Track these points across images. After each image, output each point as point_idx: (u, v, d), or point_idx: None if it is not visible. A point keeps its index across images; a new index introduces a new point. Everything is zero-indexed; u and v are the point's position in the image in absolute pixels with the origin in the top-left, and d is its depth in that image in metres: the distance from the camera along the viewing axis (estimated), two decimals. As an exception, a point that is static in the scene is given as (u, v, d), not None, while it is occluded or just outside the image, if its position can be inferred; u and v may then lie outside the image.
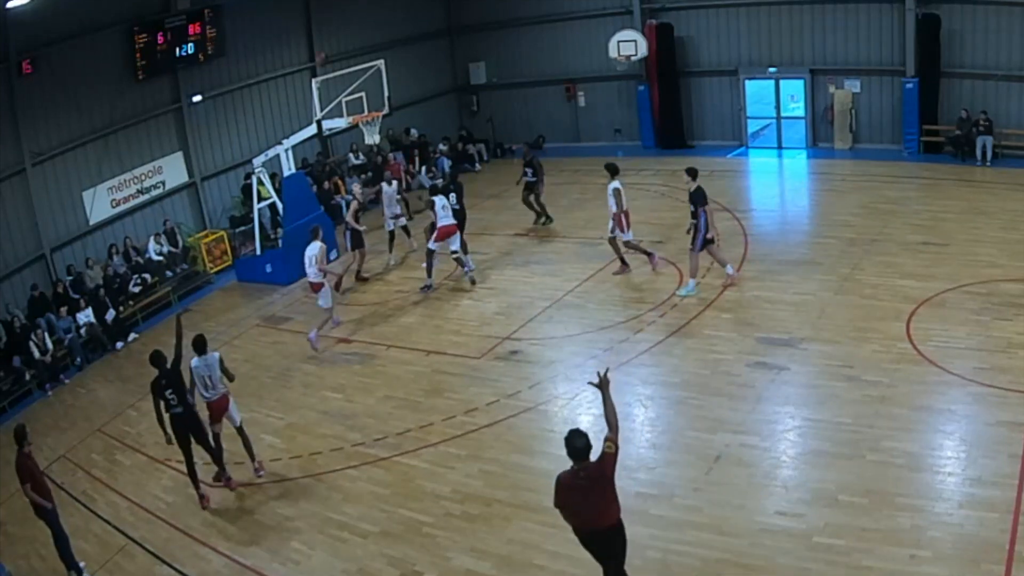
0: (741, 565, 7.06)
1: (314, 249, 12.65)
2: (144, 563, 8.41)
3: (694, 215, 12.29)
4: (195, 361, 9.24)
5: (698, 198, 12.22)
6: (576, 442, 5.89)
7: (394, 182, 16.28)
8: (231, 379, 9.57)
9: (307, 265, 12.77)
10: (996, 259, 12.43)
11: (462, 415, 10.25)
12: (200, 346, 9.31)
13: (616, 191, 13.17)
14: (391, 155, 20.64)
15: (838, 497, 7.65)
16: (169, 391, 8.92)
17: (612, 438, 5.97)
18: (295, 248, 16.20)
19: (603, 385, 6.20)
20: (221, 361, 9.37)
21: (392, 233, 16.18)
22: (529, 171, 16.67)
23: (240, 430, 9.65)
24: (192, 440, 9.13)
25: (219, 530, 8.77)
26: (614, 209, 13.21)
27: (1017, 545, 6.67)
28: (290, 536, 8.46)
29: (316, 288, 12.85)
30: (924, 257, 12.92)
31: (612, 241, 13.73)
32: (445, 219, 13.91)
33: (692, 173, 12.48)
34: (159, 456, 10.42)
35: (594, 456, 5.96)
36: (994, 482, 7.49)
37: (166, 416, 9.04)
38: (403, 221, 16.35)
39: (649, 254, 13.67)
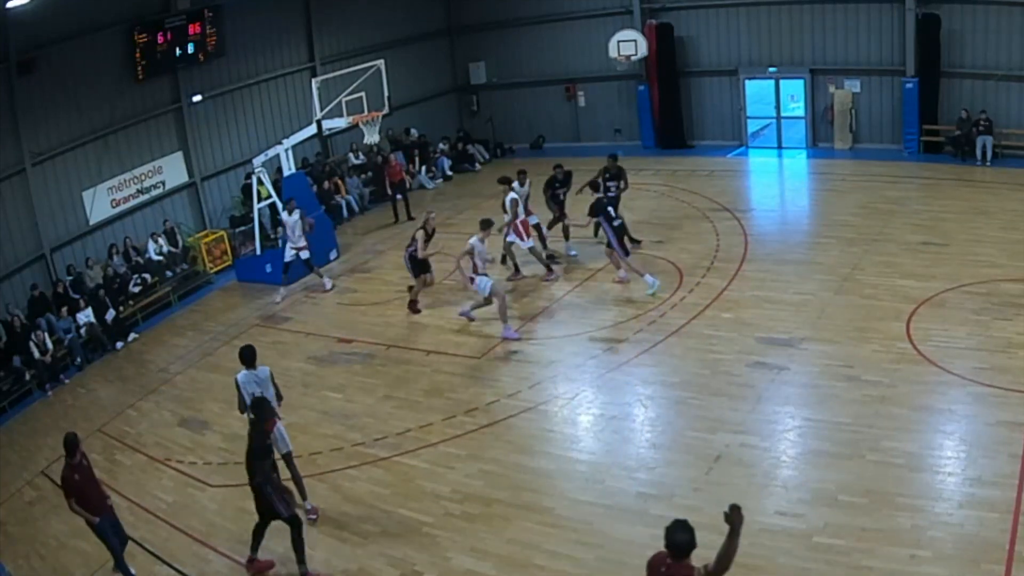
0: (741, 565, 7.00)
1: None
2: (144, 563, 8.40)
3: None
4: (242, 375, 8.55)
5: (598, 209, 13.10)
6: (678, 537, 5.18)
7: (296, 212, 14.83)
8: (280, 398, 8.81)
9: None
10: (996, 259, 12.43)
11: (462, 415, 10.25)
12: (249, 358, 8.58)
13: (513, 201, 13.61)
14: (392, 155, 20.58)
15: (838, 497, 7.65)
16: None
17: (712, 571, 5.19)
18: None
19: (734, 521, 5.32)
20: (272, 376, 8.63)
21: (287, 265, 15.08)
22: (613, 185, 14.71)
23: (287, 459, 8.63)
24: None
25: (219, 530, 8.77)
26: (508, 218, 13.68)
27: (1017, 545, 6.67)
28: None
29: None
30: (924, 257, 12.91)
31: (509, 247, 14.29)
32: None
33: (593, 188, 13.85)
34: (159, 456, 10.43)
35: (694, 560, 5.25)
36: (994, 482, 7.49)
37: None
38: (305, 254, 15.03)
39: (548, 268, 14.01)
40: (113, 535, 8.06)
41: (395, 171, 19.25)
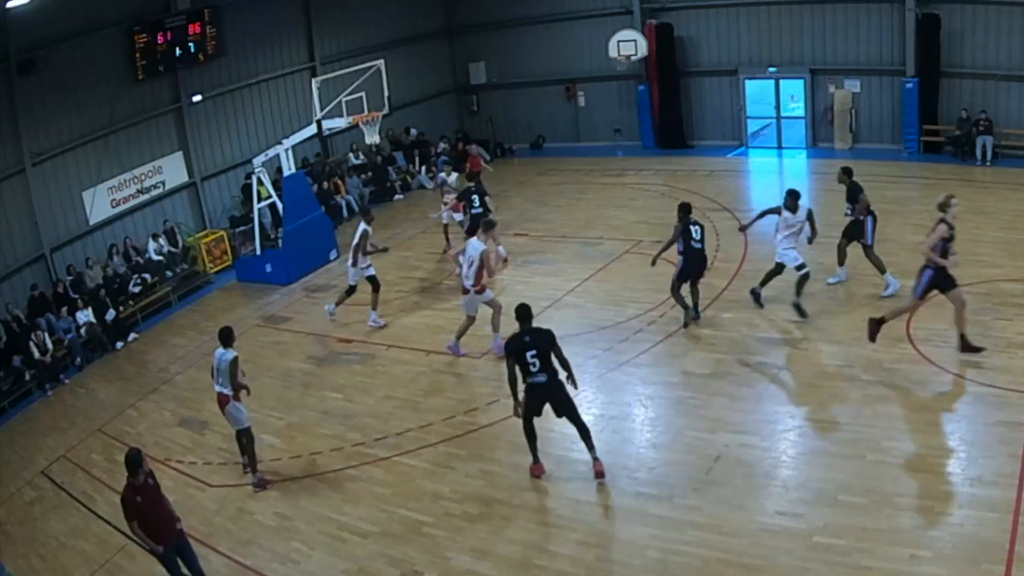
0: (741, 565, 7.05)
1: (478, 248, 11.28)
2: (144, 563, 8.38)
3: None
4: (217, 351, 9.15)
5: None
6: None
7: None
8: (237, 388, 9.09)
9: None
10: (996, 259, 12.42)
11: (462, 415, 10.24)
12: (224, 338, 9.11)
13: (364, 232, 12.91)
14: (472, 146, 20.40)
15: (838, 497, 7.64)
16: (531, 353, 8.06)
17: None
18: (295, 248, 16.27)
19: None
20: (232, 363, 8.97)
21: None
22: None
23: (238, 436, 9.45)
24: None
25: (219, 530, 8.76)
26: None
27: (1017, 545, 6.66)
28: (290, 536, 8.45)
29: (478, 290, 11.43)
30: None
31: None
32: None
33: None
34: (159, 456, 10.42)
35: None
36: (994, 482, 7.48)
37: (522, 385, 8.20)
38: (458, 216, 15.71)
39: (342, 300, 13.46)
40: (181, 565, 7.36)
41: (475, 162, 19.10)
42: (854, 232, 11.97)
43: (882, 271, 11.81)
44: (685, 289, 11.63)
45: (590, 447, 8.40)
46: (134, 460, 7.02)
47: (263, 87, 19.63)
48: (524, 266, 14.97)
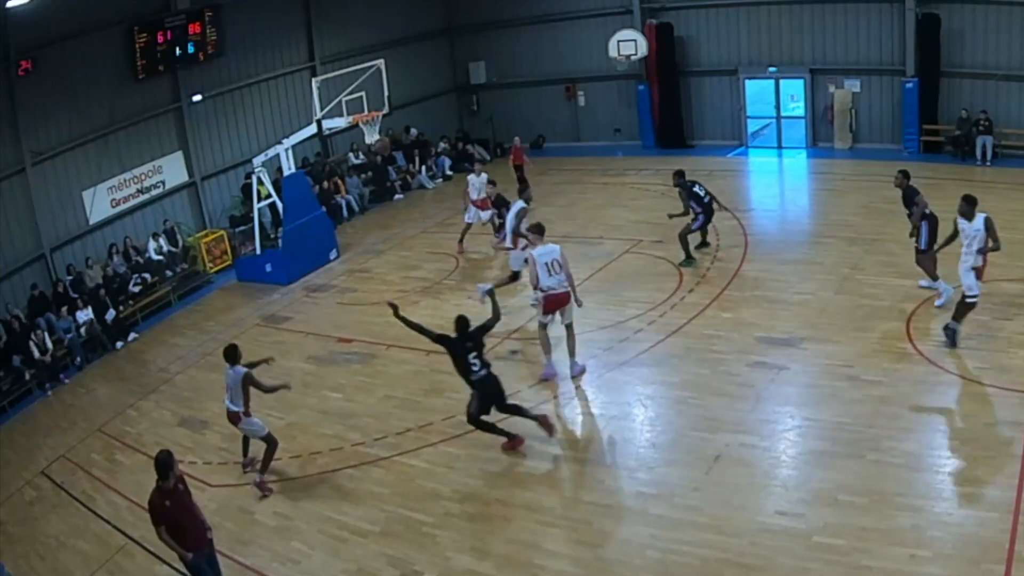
0: (741, 565, 7.06)
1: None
2: (144, 563, 8.40)
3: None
4: (227, 369, 9.03)
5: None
6: None
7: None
8: (267, 391, 9.17)
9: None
10: (996, 259, 12.35)
11: (462, 415, 10.18)
12: (229, 356, 9.00)
13: (521, 210, 13.07)
14: (516, 139, 20.09)
15: (838, 497, 7.64)
16: (472, 355, 8.88)
17: None
18: (295, 248, 16.27)
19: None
20: (244, 380, 8.89)
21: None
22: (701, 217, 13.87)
23: (245, 440, 9.76)
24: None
25: (219, 530, 8.73)
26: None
27: (1017, 545, 6.66)
28: (290, 536, 8.46)
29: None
30: (924, 257, 12.90)
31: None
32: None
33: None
34: (159, 456, 10.40)
35: None
36: (994, 482, 7.48)
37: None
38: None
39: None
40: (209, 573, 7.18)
41: (518, 154, 19.03)
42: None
43: (934, 279, 11.24)
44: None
45: (528, 415, 9.20)
46: (164, 463, 6.74)
47: (263, 87, 19.63)
48: (524, 265, 14.94)
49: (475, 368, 8.90)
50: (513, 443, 9.16)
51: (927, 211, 11.33)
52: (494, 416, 9.16)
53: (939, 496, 7.48)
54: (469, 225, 16.18)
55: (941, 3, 18.02)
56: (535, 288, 10.39)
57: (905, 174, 11.77)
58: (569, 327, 10.57)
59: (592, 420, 9.84)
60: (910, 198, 11.58)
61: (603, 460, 8.98)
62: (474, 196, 15.95)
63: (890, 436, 8.42)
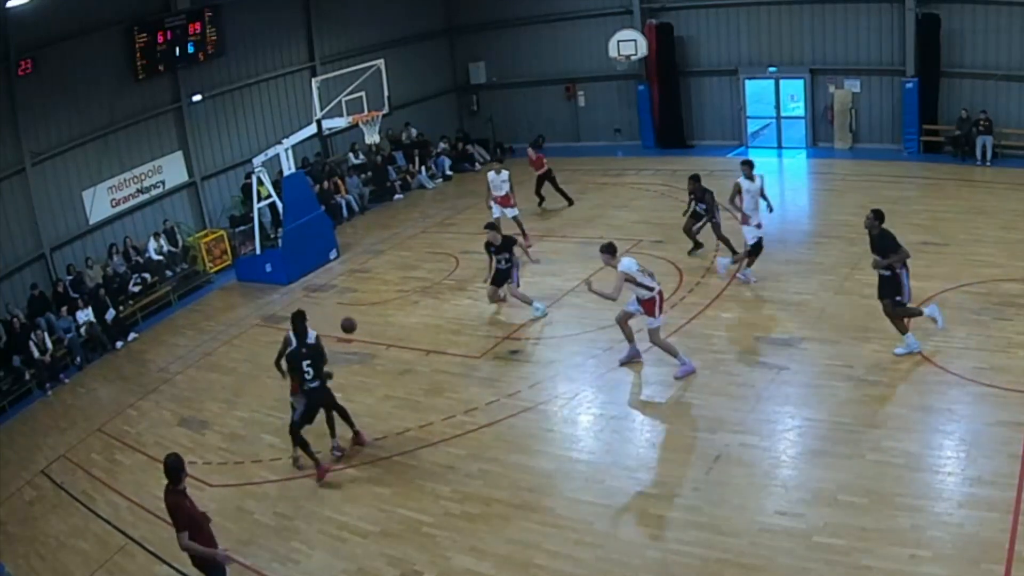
0: (741, 565, 7.06)
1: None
2: (144, 563, 8.41)
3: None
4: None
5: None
6: None
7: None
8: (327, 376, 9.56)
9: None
10: (996, 259, 12.42)
11: (462, 415, 10.24)
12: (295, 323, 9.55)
13: (737, 186, 12.66)
14: (530, 149, 18.78)
15: (838, 497, 7.65)
16: (307, 363, 9.20)
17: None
18: (295, 248, 16.28)
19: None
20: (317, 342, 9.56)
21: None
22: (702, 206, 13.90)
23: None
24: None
25: (219, 530, 8.72)
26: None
27: (1017, 545, 6.67)
28: (290, 536, 8.46)
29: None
30: (924, 257, 12.86)
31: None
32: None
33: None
34: (159, 456, 10.36)
35: None
36: (994, 482, 7.48)
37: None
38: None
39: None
40: None
41: (539, 161, 18.18)
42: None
43: (903, 332, 9.93)
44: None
45: (351, 424, 9.71)
46: (175, 467, 6.52)
47: (263, 87, 19.63)
48: (524, 265, 14.94)
49: (307, 378, 9.21)
50: (320, 472, 9.33)
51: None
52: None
53: (939, 496, 7.48)
54: (498, 219, 15.14)
55: (941, 3, 18.02)
56: (636, 296, 10.13)
57: (877, 214, 9.70)
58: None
59: (592, 420, 9.84)
60: (882, 247, 9.62)
61: (603, 460, 8.98)
62: (497, 193, 15.79)
63: (890, 436, 8.42)
